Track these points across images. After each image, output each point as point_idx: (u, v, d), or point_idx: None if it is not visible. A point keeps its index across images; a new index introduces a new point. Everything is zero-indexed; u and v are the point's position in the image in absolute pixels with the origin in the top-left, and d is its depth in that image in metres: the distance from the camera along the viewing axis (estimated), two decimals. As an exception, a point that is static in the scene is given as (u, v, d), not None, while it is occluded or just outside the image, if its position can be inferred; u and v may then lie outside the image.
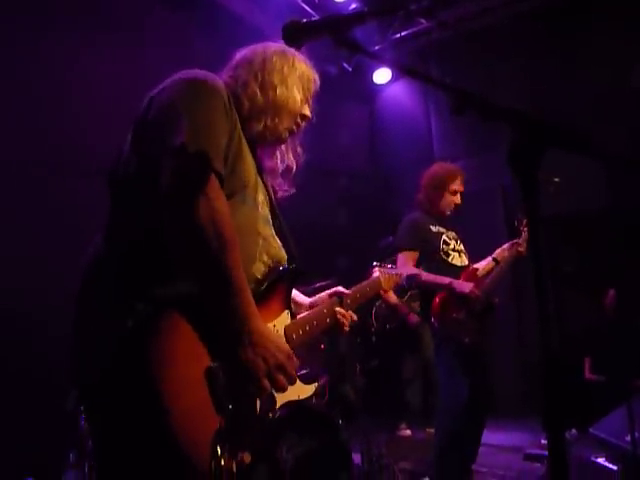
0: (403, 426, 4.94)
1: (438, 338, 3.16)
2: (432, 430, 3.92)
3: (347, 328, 1.57)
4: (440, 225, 3.38)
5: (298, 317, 1.46)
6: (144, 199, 1.16)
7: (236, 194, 1.28)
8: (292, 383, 1.25)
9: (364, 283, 1.79)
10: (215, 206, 1.12)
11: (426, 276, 3.08)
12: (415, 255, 3.22)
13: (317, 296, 1.65)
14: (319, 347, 3.46)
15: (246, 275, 1.22)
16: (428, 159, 5.21)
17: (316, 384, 1.42)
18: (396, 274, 1.99)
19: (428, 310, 3.16)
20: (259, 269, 1.35)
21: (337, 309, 1.59)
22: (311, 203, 3.98)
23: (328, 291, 1.66)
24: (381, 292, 1.84)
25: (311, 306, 1.63)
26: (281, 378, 1.23)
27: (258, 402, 1.25)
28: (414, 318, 4.26)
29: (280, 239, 1.46)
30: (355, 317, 1.61)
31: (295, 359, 1.25)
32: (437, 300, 3.14)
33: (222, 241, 1.12)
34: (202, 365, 1.13)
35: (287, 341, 1.36)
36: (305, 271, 1.41)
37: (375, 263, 1.95)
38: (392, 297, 4.13)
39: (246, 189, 1.31)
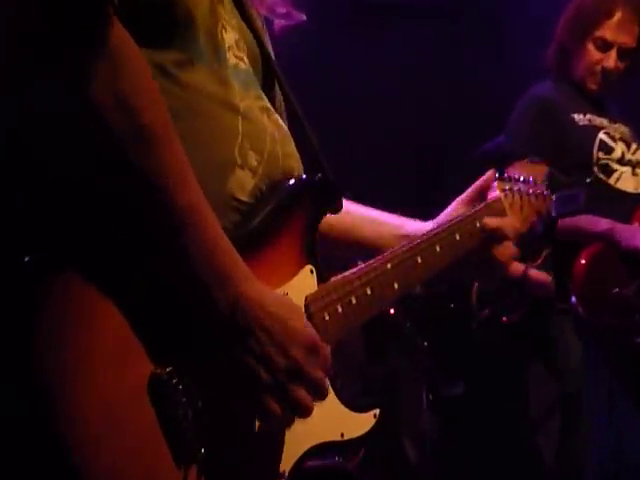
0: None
1: (586, 334, 3.13)
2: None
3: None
4: (595, 111, 3.32)
5: (337, 277, 1.49)
6: None
7: (172, 40, 1.30)
8: (322, 398, 1.28)
9: (468, 213, 1.77)
10: (119, 69, 1.12)
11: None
12: (543, 170, 2.86)
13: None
14: (353, 349, 3.49)
15: (215, 197, 1.24)
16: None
17: (376, 413, 1.46)
18: (540, 194, 1.94)
19: (567, 281, 3.11)
20: (242, 183, 1.36)
21: (491, 227, 1.71)
22: (343, 59, 4.26)
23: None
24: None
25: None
26: (301, 393, 1.22)
27: (256, 432, 1.28)
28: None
29: (288, 120, 1.53)
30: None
31: (327, 351, 1.29)
32: (583, 261, 3.07)
33: (143, 136, 1.13)
34: (136, 372, 1.14)
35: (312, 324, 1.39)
36: (340, 188, 1.47)
37: (494, 173, 1.90)
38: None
39: (190, 27, 1.33)
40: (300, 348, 1.24)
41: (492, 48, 5.64)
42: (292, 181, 1.43)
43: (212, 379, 1.21)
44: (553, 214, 1.99)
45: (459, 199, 1.78)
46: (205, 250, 1.18)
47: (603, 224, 3.08)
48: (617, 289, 3.05)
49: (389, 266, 1.55)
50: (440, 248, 1.66)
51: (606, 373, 3.10)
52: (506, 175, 1.90)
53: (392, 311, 3.64)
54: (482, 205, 1.79)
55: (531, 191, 1.92)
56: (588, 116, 3.30)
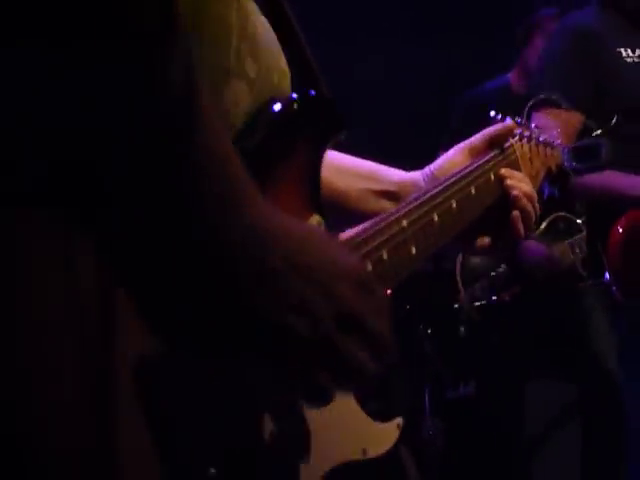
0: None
1: (624, 318, 3.06)
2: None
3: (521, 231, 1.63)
4: None
5: (347, 235, 1.32)
6: None
7: None
8: (383, 357, 1.08)
9: (480, 161, 1.66)
10: None
11: (599, 176, 2.89)
12: (578, 119, 2.92)
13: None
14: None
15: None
16: None
17: (400, 422, 1.34)
18: (551, 143, 1.90)
19: (600, 255, 3.05)
20: (237, 97, 1.25)
21: (509, 183, 1.65)
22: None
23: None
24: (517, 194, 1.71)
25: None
26: (356, 349, 1.02)
27: (275, 439, 1.14)
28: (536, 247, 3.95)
29: (280, 34, 1.41)
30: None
31: (383, 292, 1.13)
32: (620, 230, 2.96)
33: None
34: (124, 352, 0.97)
35: None
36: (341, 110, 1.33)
37: (502, 117, 1.82)
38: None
39: None
40: (348, 285, 1.04)
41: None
42: (281, 104, 1.29)
43: (222, 360, 1.07)
44: (565, 169, 1.92)
45: (462, 146, 1.67)
46: (217, 164, 0.99)
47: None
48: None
49: (405, 224, 1.38)
50: (456, 204, 1.53)
51: None
52: (517, 119, 1.82)
53: (389, 291, 3.45)
54: (497, 152, 1.68)
55: (542, 139, 1.84)
56: (638, 52, 3.06)
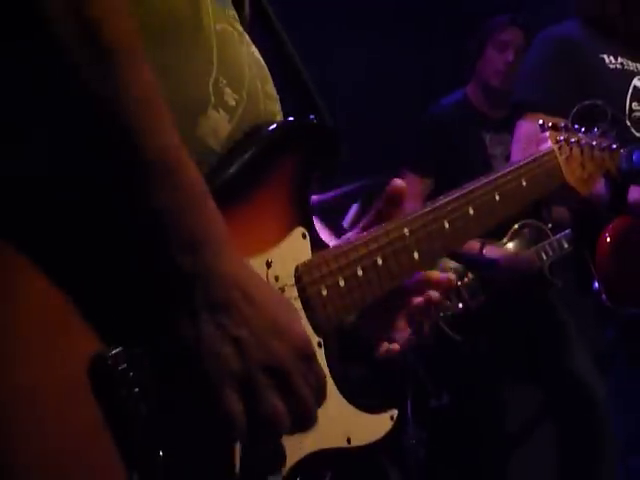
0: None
1: (612, 328, 3.06)
2: None
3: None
4: (629, 54, 3.11)
5: (337, 243, 1.43)
6: None
7: None
8: (304, 426, 1.17)
9: (511, 167, 1.69)
10: None
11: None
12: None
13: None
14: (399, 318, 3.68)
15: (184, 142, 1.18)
16: None
17: (394, 415, 1.39)
18: (608, 147, 1.88)
19: (589, 263, 3.03)
20: (215, 127, 1.30)
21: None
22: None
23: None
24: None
25: None
26: (276, 401, 1.11)
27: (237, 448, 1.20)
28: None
29: (269, 56, 1.51)
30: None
31: (321, 371, 1.19)
32: (608, 239, 2.94)
33: (101, 53, 1.06)
34: (76, 352, 1.07)
35: (306, 306, 1.31)
36: (339, 132, 1.41)
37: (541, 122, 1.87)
38: None
39: None
40: (287, 347, 1.12)
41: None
42: (274, 125, 1.35)
43: (170, 364, 1.11)
44: (621, 172, 1.92)
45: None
46: (178, 207, 1.07)
47: (634, 193, 2.82)
48: (650, 272, 2.92)
49: (406, 231, 1.44)
50: (474, 210, 1.55)
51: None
52: (562, 123, 1.81)
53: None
54: (529, 159, 1.70)
55: (595, 143, 1.82)
56: (620, 59, 3.05)
